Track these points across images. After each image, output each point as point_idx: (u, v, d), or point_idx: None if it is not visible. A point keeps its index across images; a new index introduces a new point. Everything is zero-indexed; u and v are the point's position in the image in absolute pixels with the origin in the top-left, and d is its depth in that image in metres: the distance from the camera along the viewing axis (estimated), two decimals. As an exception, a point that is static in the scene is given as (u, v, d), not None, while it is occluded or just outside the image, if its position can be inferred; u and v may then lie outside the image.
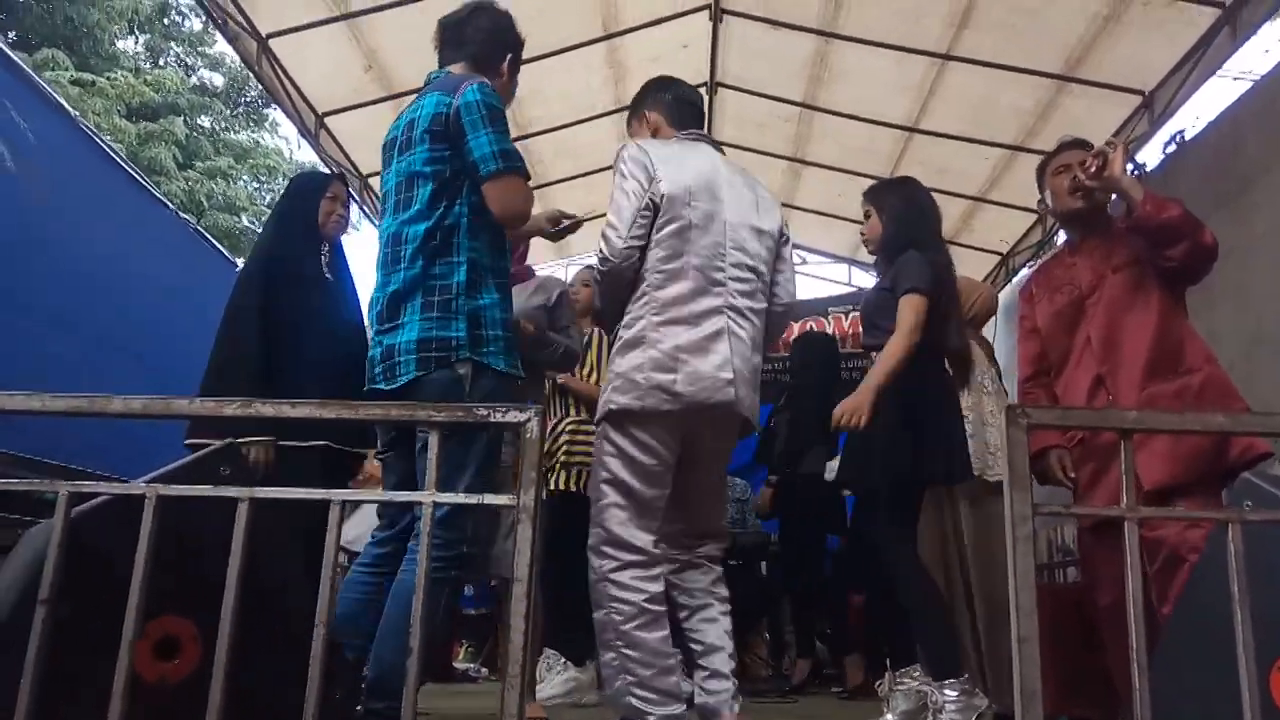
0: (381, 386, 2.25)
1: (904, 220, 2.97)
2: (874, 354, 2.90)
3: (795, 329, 7.28)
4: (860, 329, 7.05)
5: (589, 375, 4.01)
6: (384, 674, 2.07)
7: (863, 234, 3.12)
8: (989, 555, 3.24)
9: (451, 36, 2.51)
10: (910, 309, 2.76)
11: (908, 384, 2.76)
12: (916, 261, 2.82)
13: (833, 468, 4.18)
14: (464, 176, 2.26)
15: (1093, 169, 2.56)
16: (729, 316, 2.40)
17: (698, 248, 2.43)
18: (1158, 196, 2.51)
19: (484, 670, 5.55)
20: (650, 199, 2.42)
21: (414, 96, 2.49)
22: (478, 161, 2.21)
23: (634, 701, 2.29)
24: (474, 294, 2.24)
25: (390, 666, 2.06)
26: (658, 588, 2.37)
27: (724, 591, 2.50)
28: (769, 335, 2.59)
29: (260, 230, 3.41)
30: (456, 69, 2.45)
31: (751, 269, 2.50)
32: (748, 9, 5.60)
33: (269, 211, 3.41)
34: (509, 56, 2.54)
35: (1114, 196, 2.76)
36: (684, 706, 2.33)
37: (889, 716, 2.82)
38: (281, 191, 3.43)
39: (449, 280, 2.22)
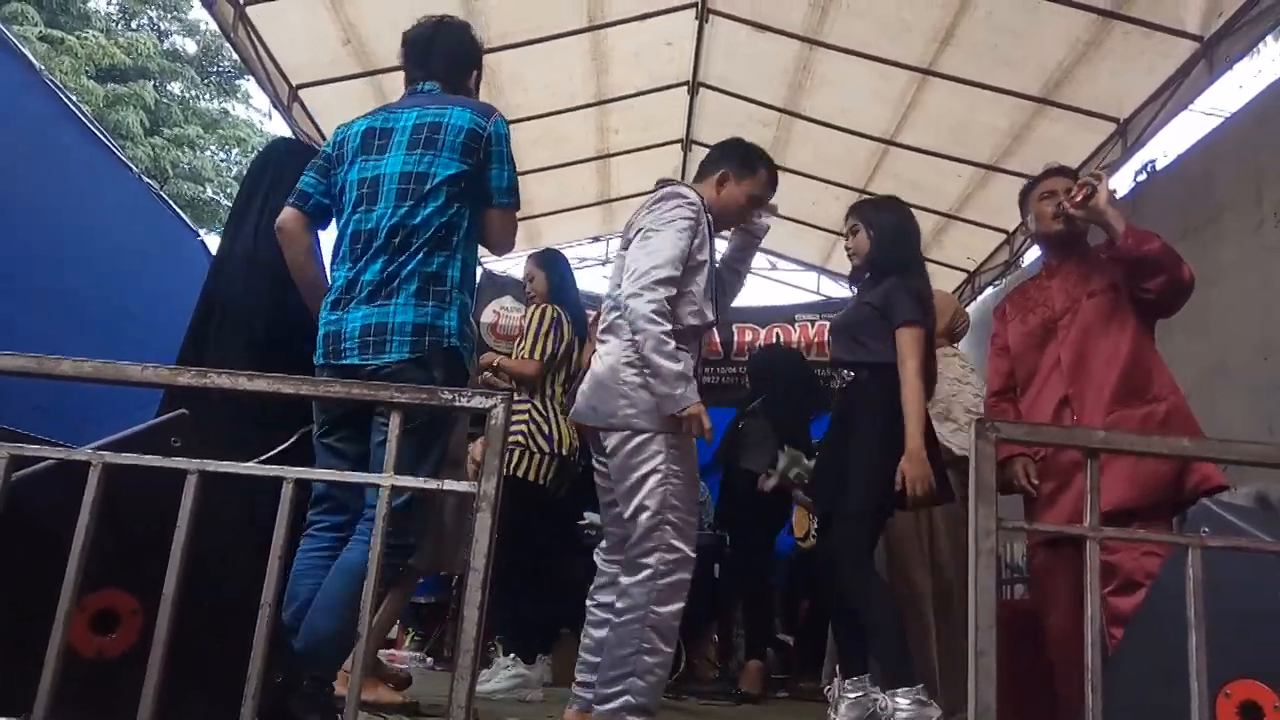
0: (354, 360, 2.23)
1: (895, 241, 3.04)
2: (844, 370, 2.98)
3: (761, 335, 7.30)
4: (828, 338, 7.19)
5: (519, 348, 3.94)
6: (316, 644, 2.07)
7: (848, 248, 3.17)
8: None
9: (418, 56, 2.59)
10: (912, 345, 2.81)
11: (888, 412, 2.79)
12: (906, 291, 2.88)
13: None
14: (470, 191, 2.41)
15: (1079, 198, 2.61)
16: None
17: None
18: (1139, 229, 2.56)
19: (429, 659, 5.49)
20: None
21: (408, 95, 2.56)
22: (495, 191, 2.44)
23: None
24: (464, 290, 2.38)
25: (323, 638, 2.07)
26: (600, 597, 2.74)
27: (619, 605, 2.59)
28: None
29: (235, 206, 3.03)
30: (430, 82, 2.55)
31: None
32: (735, 11, 5.58)
33: (246, 181, 2.96)
34: (474, 74, 2.65)
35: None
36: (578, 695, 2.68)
37: (834, 723, 2.83)
38: (262, 159, 2.99)
39: (445, 272, 2.34)
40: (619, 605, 2.55)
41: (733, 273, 3.08)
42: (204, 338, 2.70)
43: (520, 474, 3.83)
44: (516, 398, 3.84)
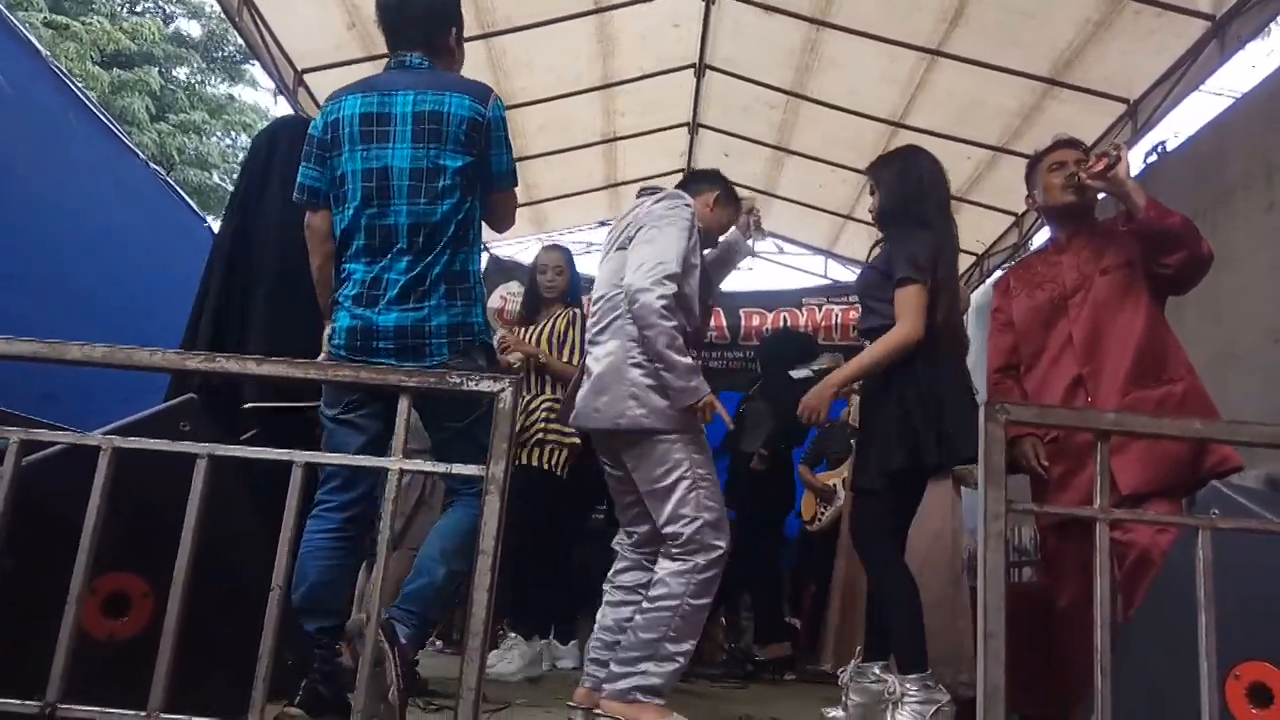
0: (389, 362, 2.24)
1: (898, 194, 2.88)
2: (866, 342, 2.86)
3: (769, 319, 7.29)
4: (832, 321, 7.18)
5: (569, 356, 3.96)
6: (425, 586, 2.27)
7: (871, 211, 3.03)
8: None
9: (392, 21, 2.50)
10: (907, 304, 2.69)
11: (924, 371, 2.70)
12: (898, 251, 2.77)
13: None
14: (475, 180, 2.43)
15: (1099, 167, 2.53)
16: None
17: None
18: (1160, 203, 2.50)
19: (438, 642, 5.51)
20: None
21: (395, 69, 2.48)
22: (497, 175, 2.46)
23: None
24: (482, 280, 2.45)
25: (436, 581, 2.28)
26: (622, 580, 2.79)
27: (653, 592, 2.59)
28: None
29: (248, 186, 3.05)
30: (417, 54, 2.47)
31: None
32: (741, -8, 5.56)
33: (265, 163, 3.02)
34: (453, 31, 2.56)
35: (1101, 197, 2.75)
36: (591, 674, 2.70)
37: (846, 706, 2.82)
38: (274, 138, 3.04)
39: (468, 268, 2.39)
40: (653, 592, 2.56)
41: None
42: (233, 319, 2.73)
43: (559, 471, 3.92)
44: (553, 395, 3.91)
